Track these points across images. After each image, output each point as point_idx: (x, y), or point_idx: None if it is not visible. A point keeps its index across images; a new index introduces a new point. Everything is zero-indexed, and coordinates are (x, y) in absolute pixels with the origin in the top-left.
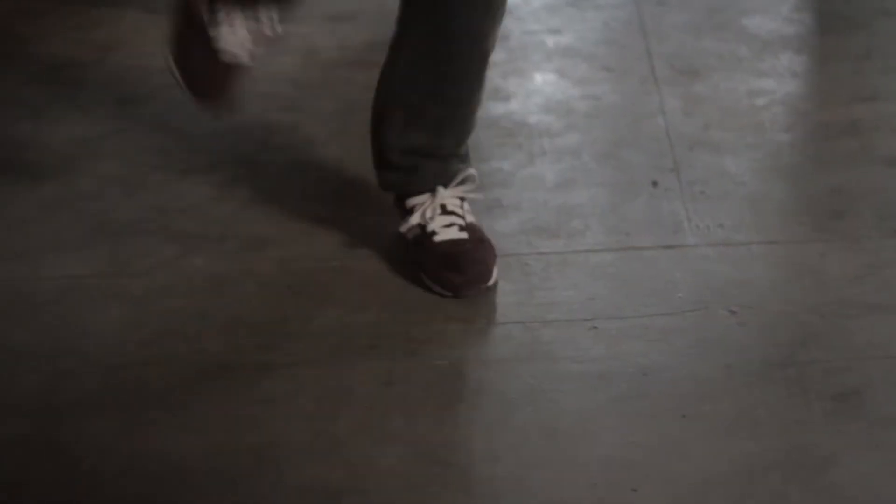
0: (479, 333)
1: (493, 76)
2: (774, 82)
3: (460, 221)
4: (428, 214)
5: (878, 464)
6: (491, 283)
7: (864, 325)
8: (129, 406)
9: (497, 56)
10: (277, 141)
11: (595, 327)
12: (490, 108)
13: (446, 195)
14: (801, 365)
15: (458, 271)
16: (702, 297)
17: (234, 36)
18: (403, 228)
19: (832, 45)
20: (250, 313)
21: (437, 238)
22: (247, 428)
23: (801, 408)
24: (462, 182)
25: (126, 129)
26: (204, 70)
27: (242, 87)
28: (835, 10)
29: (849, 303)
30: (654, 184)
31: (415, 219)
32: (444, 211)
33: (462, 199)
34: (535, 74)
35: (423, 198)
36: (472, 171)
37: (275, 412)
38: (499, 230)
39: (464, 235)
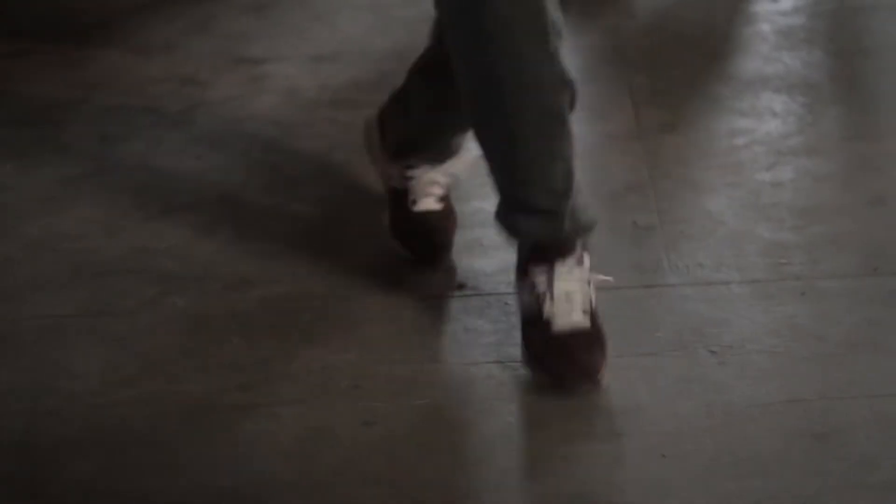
0: (460, 373)
1: None
2: (754, 122)
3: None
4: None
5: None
6: (598, 379)
7: (846, 365)
8: (111, 446)
9: None
10: (259, 181)
11: None
12: (472, 149)
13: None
14: (782, 404)
15: (572, 363)
16: (682, 336)
17: (425, 191)
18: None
19: (814, 84)
20: (232, 353)
21: (555, 328)
22: (227, 468)
23: (781, 447)
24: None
25: (108, 168)
26: (411, 228)
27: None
28: (816, 49)
29: (830, 342)
30: (635, 223)
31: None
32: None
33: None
34: None
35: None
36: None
37: (255, 452)
38: (479, 269)
39: (586, 323)
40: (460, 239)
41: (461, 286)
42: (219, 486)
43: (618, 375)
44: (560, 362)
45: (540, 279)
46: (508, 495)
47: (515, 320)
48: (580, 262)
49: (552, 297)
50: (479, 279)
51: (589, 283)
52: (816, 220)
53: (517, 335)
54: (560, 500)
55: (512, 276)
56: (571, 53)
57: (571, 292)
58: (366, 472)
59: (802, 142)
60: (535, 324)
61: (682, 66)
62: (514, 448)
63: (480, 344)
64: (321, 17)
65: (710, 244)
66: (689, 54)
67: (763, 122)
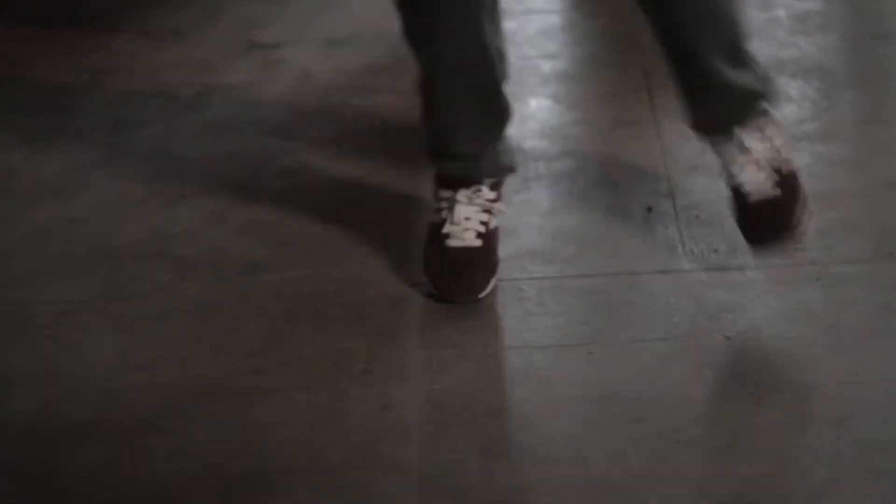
0: (474, 358)
1: None
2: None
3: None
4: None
5: (872, 490)
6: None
7: (860, 350)
8: (123, 431)
9: None
10: (272, 166)
11: (590, 352)
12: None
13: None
14: (796, 389)
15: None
16: (696, 321)
17: (460, 226)
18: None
19: (829, 69)
20: (245, 338)
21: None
22: (240, 453)
23: (796, 432)
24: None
25: (121, 154)
26: (445, 269)
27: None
28: (831, 34)
29: (843, 328)
30: (649, 209)
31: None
32: (465, 217)
33: (489, 208)
34: (531, 100)
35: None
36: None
37: (268, 437)
38: (502, 255)
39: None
40: None
41: None
42: (231, 472)
43: (632, 361)
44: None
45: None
46: (524, 480)
47: (530, 306)
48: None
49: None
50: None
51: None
52: (831, 206)
53: (531, 320)
54: (574, 485)
55: (525, 262)
56: (585, 38)
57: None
58: (379, 457)
59: (818, 127)
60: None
61: None
62: (529, 434)
63: (495, 329)
64: (333, 1)
65: (725, 229)
66: None
67: (778, 107)
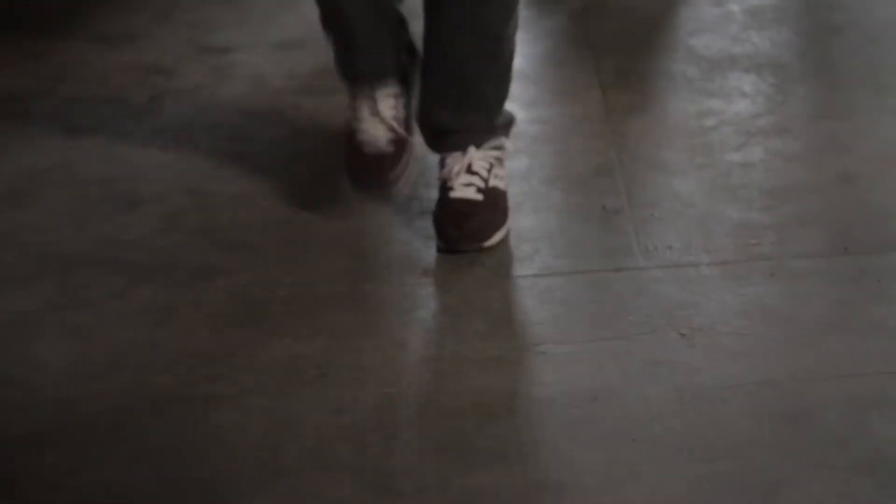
0: (428, 360)
1: None
2: (723, 102)
3: (480, 183)
4: (454, 170)
5: (829, 485)
6: (487, 244)
7: (816, 345)
8: (79, 439)
9: None
10: (225, 171)
11: (544, 352)
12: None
13: (476, 156)
14: (752, 385)
15: (457, 227)
16: (652, 319)
17: (373, 127)
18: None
19: (783, 64)
20: (199, 344)
21: (452, 194)
22: (196, 459)
23: (752, 429)
24: (494, 147)
25: (74, 159)
26: (359, 166)
27: (400, 171)
28: (785, 29)
29: (799, 322)
30: (604, 207)
31: (441, 175)
32: (469, 170)
33: (492, 164)
34: None
35: (455, 155)
36: (504, 140)
37: (223, 443)
38: (445, 256)
39: (478, 197)
40: (427, 225)
41: (428, 272)
42: (187, 478)
43: (587, 360)
44: (449, 222)
45: (449, 160)
46: (477, 482)
47: (479, 305)
48: (482, 147)
49: (454, 174)
50: (445, 263)
51: (490, 166)
52: (786, 200)
53: (486, 320)
54: (530, 485)
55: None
56: (539, 37)
57: (472, 171)
58: (333, 460)
59: (772, 122)
60: (441, 193)
61: (649, 48)
62: (483, 435)
63: (448, 330)
64: (286, 4)
65: (680, 226)
66: (656, 36)
67: (732, 102)
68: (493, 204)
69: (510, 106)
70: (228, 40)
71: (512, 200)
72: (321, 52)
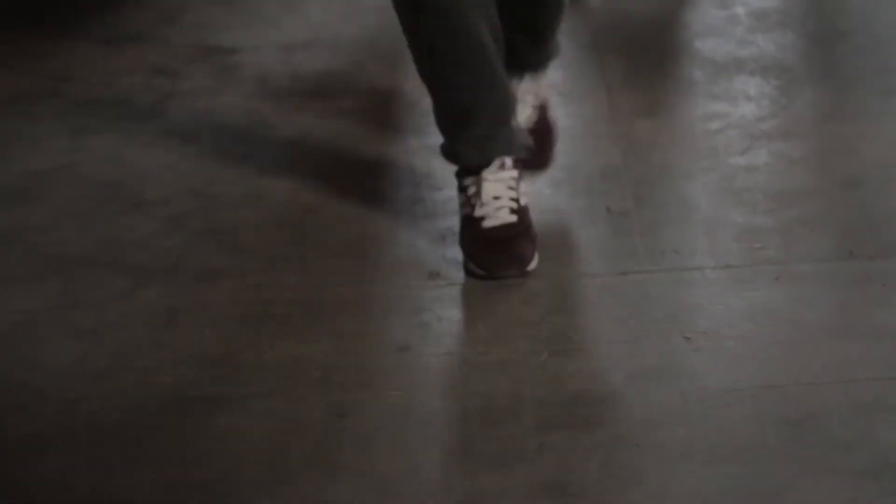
0: (432, 364)
1: None
2: (728, 105)
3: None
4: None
5: (834, 490)
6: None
7: (820, 349)
8: (82, 441)
9: None
10: (230, 172)
11: (549, 355)
12: None
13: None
14: (756, 390)
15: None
16: (656, 323)
17: (491, 205)
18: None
19: (788, 67)
20: (203, 346)
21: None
22: (199, 462)
23: (756, 433)
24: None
25: (79, 161)
26: (487, 250)
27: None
28: (790, 32)
29: (804, 326)
30: (609, 210)
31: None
32: (494, 196)
33: (513, 183)
34: None
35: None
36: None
37: (227, 445)
38: (452, 258)
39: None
40: (433, 228)
41: (434, 275)
42: (190, 481)
43: (591, 363)
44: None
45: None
46: (482, 485)
47: (484, 308)
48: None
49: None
50: (451, 268)
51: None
52: (791, 204)
53: (490, 324)
54: (533, 489)
55: None
56: None
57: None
58: (337, 463)
59: (777, 125)
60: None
61: (656, 51)
62: (487, 438)
63: (453, 333)
64: (292, 5)
65: (685, 229)
66: (662, 38)
67: (737, 105)
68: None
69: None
70: (234, 42)
71: None
72: (327, 53)
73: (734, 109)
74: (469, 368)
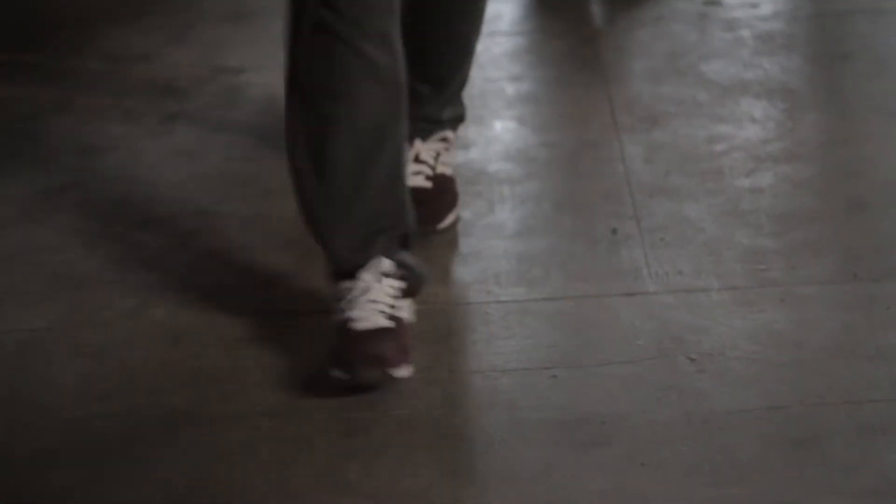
0: (439, 383)
1: None
2: (733, 128)
3: (427, 171)
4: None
5: None
6: (441, 226)
7: (824, 371)
8: (89, 459)
9: None
10: (237, 191)
11: (555, 376)
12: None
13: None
14: (761, 411)
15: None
16: (661, 344)
17: (364, 307)
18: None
19: (793, 90)
20: (210, 364)
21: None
22: (206, 480)
23: (760, 454)
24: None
25: (86, 179)
26: (352, 350)
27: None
28: (795, 55)
29: (808, 348)
30: (614, 231)
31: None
32: (417, 159)
33: (438, 153)
34: (495, 122)
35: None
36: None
37: (234, 463)
38: (458, 279)
39: (427, 185)
40: (433, 245)
41: (437, 295)
42: (197, 499)
43: (596, 384)
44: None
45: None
46: None
47: (495, 329)
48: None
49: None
50: (457, 288)
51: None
52: (795, 226)
53: (497, 344)
54: None
55: (490, 286)
56: (549, 61)
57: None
58: (344, 482)
59: (782, 147)
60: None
61: (660, 73)
62: (495, 457)
63: (459, 353)
64: None
65: (690, 251)
66: (667, 61)
67: (742, 128)
68: (442, 190)
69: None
70: (241, 61)
71: (523, 224)
72: None
73: (739, 132)
74: (476, 388)
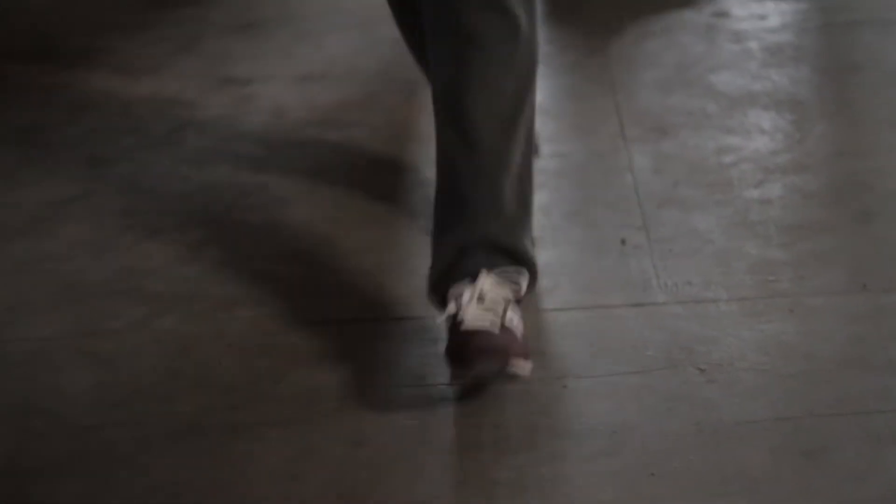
0: (448, 393)
1: None
2: (742, 139)
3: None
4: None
5: None
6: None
7: (834, 382)
8: (98, 468)
9: None
10: (247, 201)
11: (565, 386)
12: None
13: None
14: (770, 422)
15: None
16: (671, 354)
17: (470, 310)
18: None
19: (802, 101)
20: (219, 374)
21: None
22: (215, 490)
23: (770, 465)
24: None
25: (95, 190)
26: (462, 352)
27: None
28: (804, 66)
29: (817, 358)
30: (623, 242)
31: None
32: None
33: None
34: None
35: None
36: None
37: (243, 473)
38: None
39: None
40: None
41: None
42: None
43: (606, 394)
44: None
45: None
46: None
47: None
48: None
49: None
50: None
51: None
52: (804, 237)
53: None
54: None
55: None
56: (558, 72)
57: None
58: (353, 492)
59: (790, 159)
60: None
61: (668, 84)
62: (503, 467)
63: None
64: (307, 36)
65: (699, 262)
66: (675, 72)
67: (751, 139)
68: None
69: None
70: (249, 72)
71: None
72: (341, 84)
73: (748, 143)
74: (484, 398)
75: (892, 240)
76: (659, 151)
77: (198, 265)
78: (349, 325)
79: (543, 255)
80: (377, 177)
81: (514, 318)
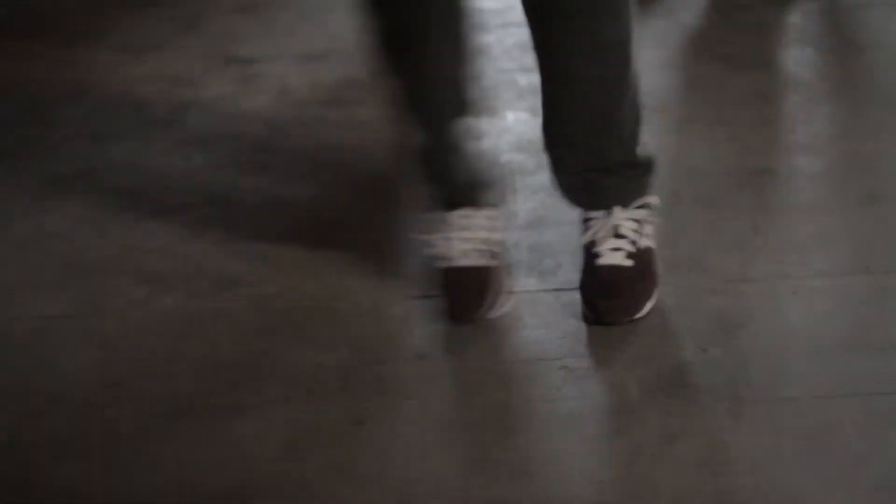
0: (450, 373)
1: None
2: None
3: (629, 247)
4: (599, 234)
5: (849, 503)
6: (639, 316)
7: (836, 364)
8: (99, 446)
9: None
10: (249, 180)
11: (566, 366)
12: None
13: (620, 217)
14: (772, 403)
15: (606, 298)
16: (673, 335)
17: (447, 243)
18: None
19: (806, 82)
20: (221, 353)
21: (600, 261)
22: (216, 469)
23: (771, 446)
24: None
25: (98, 168)
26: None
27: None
28: (808, 47)
29: (819, 341)
30: None
31: (586, 237)
32: (616, 234)
33: (638, 221)
34: (507, 113)
35: (598, 214)
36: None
37: (244, 453)
38: None
39: (629, 263)
40: None
41: None
42: (207, 488)
43: (609, 374)
44: (596, 294)
45: (596, 220)
46: (499, 494)
47: (507, 320)
48: (629, 209)
49: (601, 237)
50: None
51: (638, 229)
52: (808, 219)
53: (509, 334)
54: (551, 499)
55: (502, 276)
56: None
57: (619, 235)
58: (354, 471)
59: (794, 140)
60: (587, 255)
61: (671, 63)
62: (504, 447)
63: (470, 343)
64: (310, 16)
65: (703, 243)
66: (679, 52)
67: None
68: (644, 270)
69: (523, 127)
70: (253, 51)
71: (534, 215)
72: (345, 63)
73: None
74: (486, 378)
75: (895, 222)
76: (663, 130)
77: (199, 244)
78: (351, 304)
79: (546, 236)
80: (380, 155)
81: (641, 244)
